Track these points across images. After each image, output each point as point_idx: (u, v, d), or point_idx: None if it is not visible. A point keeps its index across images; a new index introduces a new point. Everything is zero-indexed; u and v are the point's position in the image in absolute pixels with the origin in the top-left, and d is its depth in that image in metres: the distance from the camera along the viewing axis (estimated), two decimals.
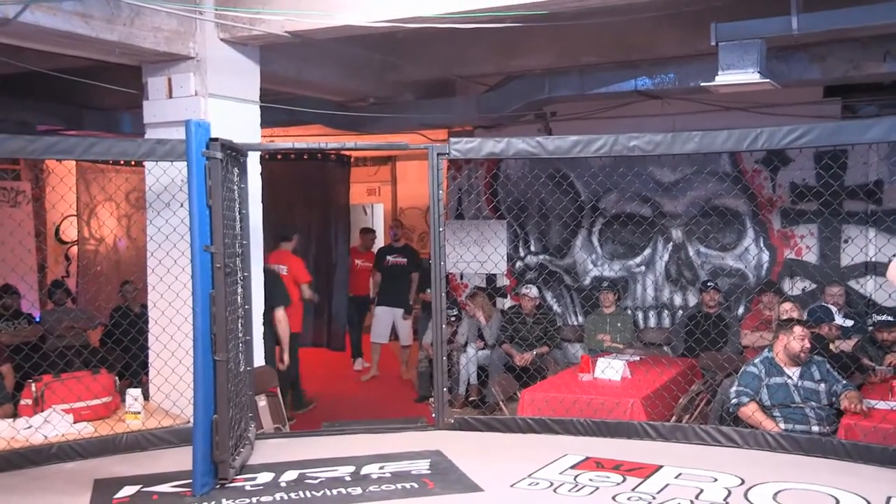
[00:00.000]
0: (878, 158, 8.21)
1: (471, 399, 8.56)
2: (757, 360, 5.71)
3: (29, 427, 5.09)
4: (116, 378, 5.82)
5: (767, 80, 5.76)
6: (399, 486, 4.30)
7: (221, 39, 5.67)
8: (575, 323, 9.73)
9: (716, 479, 4.32)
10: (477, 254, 8.75)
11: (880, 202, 8.23)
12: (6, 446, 4.86)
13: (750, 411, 5.47)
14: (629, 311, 9.24)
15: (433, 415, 5.50)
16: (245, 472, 4.58)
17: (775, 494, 4.07)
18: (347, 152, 10.55)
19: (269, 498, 4.17)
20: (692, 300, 9.04)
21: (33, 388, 5.33)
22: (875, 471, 4.42)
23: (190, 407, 4.72)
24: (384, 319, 10.10)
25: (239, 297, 4.97)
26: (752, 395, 5.52)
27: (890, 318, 6.79)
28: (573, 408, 5.84)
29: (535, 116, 9.54)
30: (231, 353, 4.51)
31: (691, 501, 4.00)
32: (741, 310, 8.70)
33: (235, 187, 4.94)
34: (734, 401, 5.58)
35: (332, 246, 10.15)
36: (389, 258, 10.21)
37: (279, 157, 9.50)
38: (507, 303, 9.90)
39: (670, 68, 7.47)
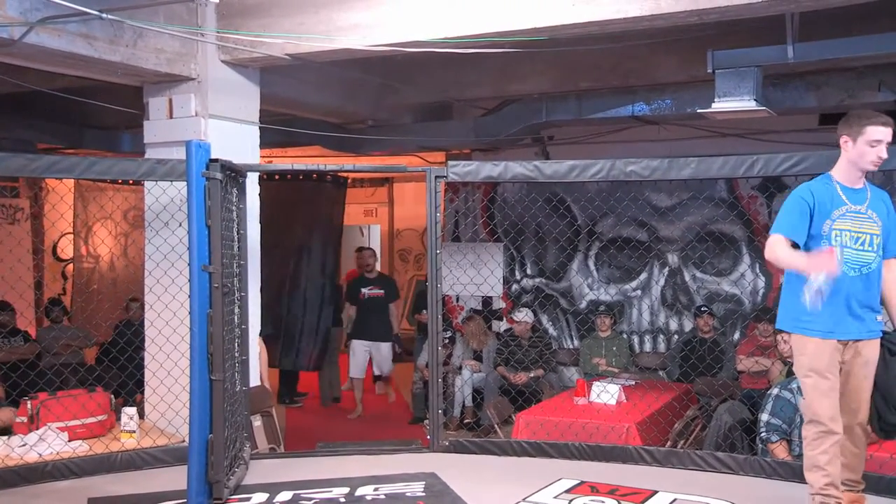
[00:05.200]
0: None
1: (466, 421, 8.54)
2: (794, 385, 5.33)
3: (24, 445, 5.08)
4: (112, 396, 5.82)
5: (763, 108, 5.82)
6: None
7: (222, 61, 5.72)
8: (571, 346, 9.73)
9: None
10: (473, 276, 8.77)
11: None
12: (0, 464, 4.85)
13: (779, 452, 5.17)
14: (625, 336, 9.25)
15: (428, 437, 5.50)
16: (240, 492, 4.58)
17: None
18: (345, 174, 10.60)
19: None
20: (688, 325, 9.05)
21: (29, 406, 5.32)
22: (872, 500, 4.41)
23: (185, 426, 4.73)
24: (362, 353, 9.50)
25: (236, 317, 4.99)
26: (783, 433, 5.23)
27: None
28: (568, 431, 5.84)
29: (532, 140, 9.60)
30: (227, 373, 4.52)
31: None
32: (737, 335, 8.72)
33: (234, 207, 4.97)
34: (763, 434, 5.32)
35: (323, 266, 10.13)
36: (364, 290, 9.52)
37: (276, 177, 9.54)
38: (503, 325, 9.90)
39: (667, 94, 7.53)
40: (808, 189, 3.92)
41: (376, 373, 9.76)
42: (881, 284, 3.91)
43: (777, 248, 3.82)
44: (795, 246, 3.86)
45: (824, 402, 3.78)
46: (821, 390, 3.79)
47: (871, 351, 3.88)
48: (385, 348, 9.52)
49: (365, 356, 9.48)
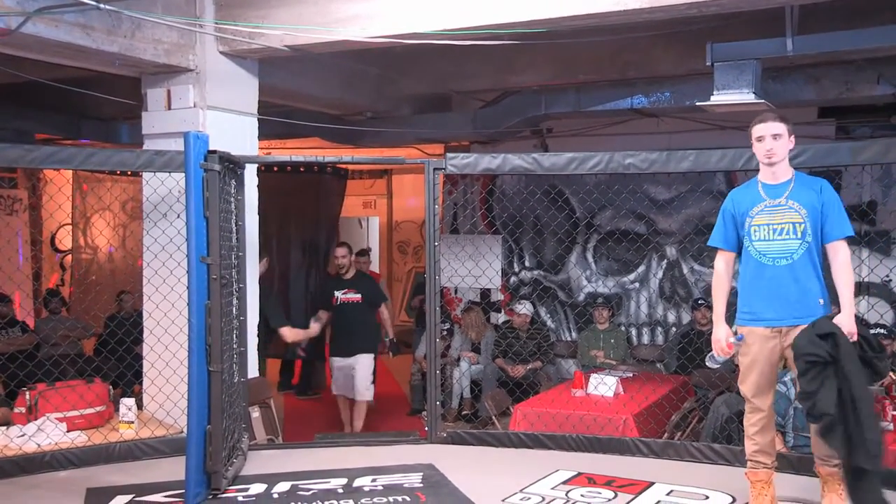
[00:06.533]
0: (871, 180, 8.26)
1: (464, 413, 8.56)
2: (787, 378, 5.48)
3: (22, 435, 5.09)
4: (110, 387, 5.83)
5: (762, 101, 5.82)
6: (391, 499, 4.31)
7: (221, 52, 5.71)
8: (568, 339, 9.75)
9: (707, 497, 4.35)
10: (472, 268, 8.78)
11: (873, 223, 8.27)
12: None
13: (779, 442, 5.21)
14: (623, 328, 9.26)
15: (426, 428, 5.52)
16: (238, 482, 4.59)
17: None
18: (344, 166, 10.60)
19: None
20: (686, 317, 9.06)
21: (27, 397, 5.33)
22: None
23: (183, 417, 4.74)
24: (342, 373, 7.66)
25: (234, 309, 4.99)
26: (777, 424, 5.22)
27: (883, 332, 6.79)
28: (566, 423, 5.86)
29: (531, 132, 9.60)
30: (225, 364, 4.53)
31: None
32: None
33: (232, 199, 4.97)
34: None
35: (325, 257, 10.13)
36: (338, 294, 7.63)
37: (275, 168, 9.54)
38: (502, 317, 9.91)
39: (666, 87, 7.52)
40: (730, 196, 4.24)
41: (358, 396, 7.62)
42: (816, 270, 4.04)
43: (714, 277, 4.37)
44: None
45: (749, 382, 4.13)
46: (748, 373, 4.14)
47: None
48: (364, 361, 7.62)
49: (346, 375, 7.63)
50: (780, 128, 4.01)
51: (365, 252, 9.77)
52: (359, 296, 7.62)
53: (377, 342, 7.85)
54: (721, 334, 4.19)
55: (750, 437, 4.16)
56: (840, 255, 4.02)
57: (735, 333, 4.22)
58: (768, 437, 4.14)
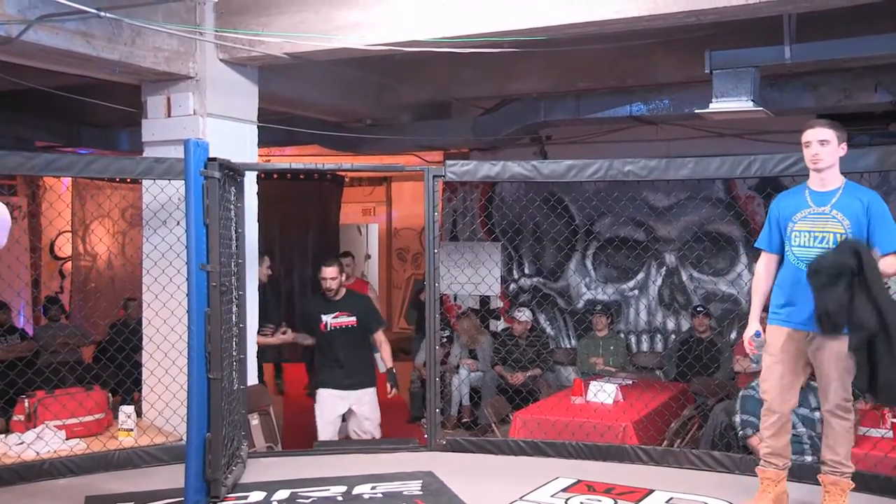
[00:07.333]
0: (869, 187, 8.25)
1: (463, 420, 8.55)
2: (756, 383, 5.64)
3: (21, 443, 5.08)
4: (109, 394, 5.82)
5: (761, 109, 5.84)
6: None
7: (221, 60, 5.72)
8: (568, 346, 9.75)
9: None
10: (471, 276, 8.79)
11: None
12: None
13: (755, 442, 5.34)
14: (622, 335, 9.26)
15: (425, 436, 5.51)
16: (237, 490, 4.59)
17: None
18: (343, 173, 10.63)
19: None
20: (685, 325, 9.07)
21: (26, 404, 5.32)
22: (866, 499, 4.43)
23: (183, 424, 4.73)
24: (331, 408, 6.31)
25: (234, 316, 4.99)
26: (755, 426, 5.33)
27: None
28: (565, 431, 5.85)
29: (530, 140, 9.62)
30: (225, 372, 4.53)
31: None
32: (733, 335, 8.73)
33: (232, 206, 4.98)
34: (741, 432, 5.55)
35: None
36: (327, 318, 6.28)
37: (275, 175, 9.56)
38: (501, 325, 9.91)
39: (665, 94, 7.54)
40: (777, 199, 4.28)
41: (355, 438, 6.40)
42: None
43: (755, 277, 4.33)
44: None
45: (769, 383, 4.13)
46: (769, 372, 4.13)
47: (838, 343, 3.95)
48: (367, 399, 6.40)
49: (335, 412, 6.33)
50: (827, 134, 4.02)
51: (347, 254, 9.07)
52: (353, 318, 6.32)
53: (373, 375, 6.56)
54: (749, 332, 4.25)
55: (763, 440, 4.20)
56: (891, 267, 3.96)
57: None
58: (782, 441, 4.16)
